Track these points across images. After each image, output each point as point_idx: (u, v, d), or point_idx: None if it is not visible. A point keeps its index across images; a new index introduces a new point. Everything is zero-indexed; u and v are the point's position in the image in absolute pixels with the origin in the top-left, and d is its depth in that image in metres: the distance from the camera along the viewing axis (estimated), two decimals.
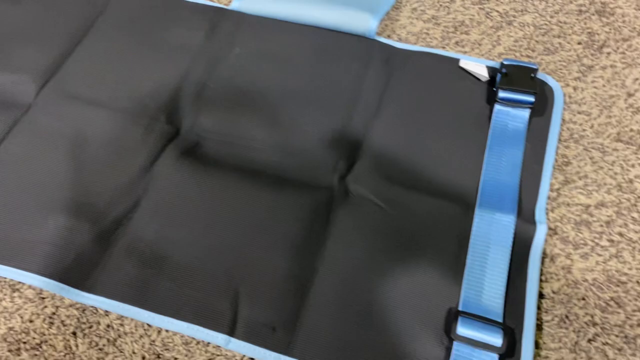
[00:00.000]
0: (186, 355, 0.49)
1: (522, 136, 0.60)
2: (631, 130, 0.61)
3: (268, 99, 0.63)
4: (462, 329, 0.47)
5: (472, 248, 0.53)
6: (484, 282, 0.51)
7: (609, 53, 0.67)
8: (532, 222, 0.54)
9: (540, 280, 0.52)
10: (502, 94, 0.61)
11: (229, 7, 0.72)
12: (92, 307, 0.51)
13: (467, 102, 0.63)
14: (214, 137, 0.61)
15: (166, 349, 0.49)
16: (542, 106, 0.62)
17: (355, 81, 0.65)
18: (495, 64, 0.66)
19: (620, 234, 0.54)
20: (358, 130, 0.61)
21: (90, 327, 0.50)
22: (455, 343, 0.47)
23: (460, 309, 0.49)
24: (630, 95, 0.63)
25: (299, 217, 0.55)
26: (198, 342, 0.49)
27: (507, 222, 0.53)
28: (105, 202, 0.56)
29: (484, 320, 0.48)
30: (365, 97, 0.64)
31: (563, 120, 0.62)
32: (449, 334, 0.48)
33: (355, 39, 0.68)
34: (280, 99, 0.63)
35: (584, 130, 0.61)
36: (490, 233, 0.53)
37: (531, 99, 0.60)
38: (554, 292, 0.51)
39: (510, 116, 0.61)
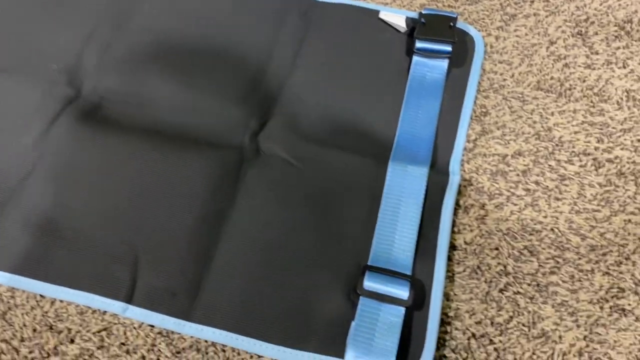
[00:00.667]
0: (81, 325, 0.46)
1: (439, 87, 0.57)
2: (552, 78, 0.59)
3: (176, 56, 0.60)
4: (369, 283, 0.46)
5: (384, 202, 0.51)
6: (395, 235, 0.49)
7: (532, 1, 0.65)
8: (446, 174, 0.52)
9: (453, 232, 0.50)
10: (419, 44, 0.58)
11: None
12: None
13: (387, 54, 0.61)
14: (117, 98, 0.57)
15: (59, 320, 0.46)
16: (462, 56, 0.60)
17: (270, 35, 0.62)
18: (416, 14, 0.63)
19: (537, 183, 0.53)
20: (272, 86, 0.58)
21: None
22: (361, 297, 0.45)
23: (369, 263, 0.47)
24: (552, 43, 0.62)
25: (205, 179, 0.52)
26: (94, 312, 0.47)
27: (420, 174, 0.52)
28: None
29: (392, 274, 0.46)
30: (281, 52, 0.61)
31: (483, 70, 0.60)
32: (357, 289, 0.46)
33: None
34: (189, 56, 0.60)
35: (505, 79, 0.59)
36: (403, 186, 0.51)
37: (448, 48, 0.58)
38: (466, 243, 0.50)
39: (428, 67, 0.59)
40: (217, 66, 0.59)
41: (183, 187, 0.51)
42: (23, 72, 0.59)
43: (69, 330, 0.46)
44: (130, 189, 0.51)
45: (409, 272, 0.47)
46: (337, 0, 0.65)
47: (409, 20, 0.62)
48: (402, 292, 0.45)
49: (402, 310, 0.45)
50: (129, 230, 0.49)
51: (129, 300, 0.46)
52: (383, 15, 0.63)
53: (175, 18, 0.63)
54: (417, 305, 0.46)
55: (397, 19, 0.62)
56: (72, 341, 0.45)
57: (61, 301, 0.47)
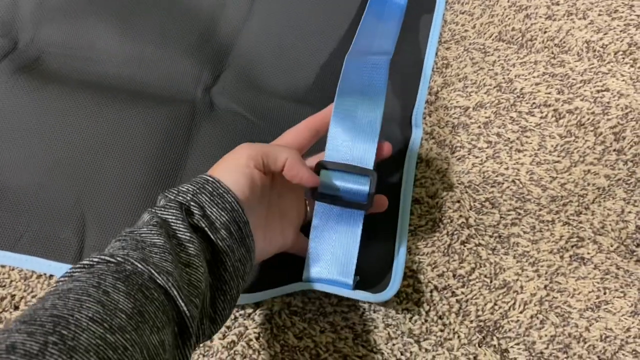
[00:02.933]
0: (25, 291, 0.43)
1: (399, 14, 0.54)
2: (513, 29, 0.58)
3: (120, 4, 0.56)
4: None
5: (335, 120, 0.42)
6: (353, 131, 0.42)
7: None
8: (409, 126, 0.51)
9: (415, 186, 0.49)
10: None
11: None
12: None
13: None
14: (57, 50, 0.53)
15: (1, 286, 0.43)
16: (423, 6, 0.58)
17: None
18: None
19: (498, 135, 0.52)
20: (226, 34, 0.55)
21: None
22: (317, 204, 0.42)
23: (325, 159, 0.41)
24: None
25: (155, 134, 0.49)
26: (39, 276, 0.44)
27: (374, 108, 0.42)
28: None
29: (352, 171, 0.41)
30: (233, 4, 0.57)
31: (445, 21, 0.59)
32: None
33: None
34: (136, 4, 0.56)
35: (466, 30, 0.58)
36: (355, 120, 0.43)
37: None
38: (428, 196, 0.49)
39: (387, 5, 0.56)
40: (166, 14, 0.56)
41: (132, 142, 0.48)
42: None
43: (12, 296, 0.43)
44: (75, 144, 0.48)
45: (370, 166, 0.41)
46: None
47: None
48: (362, 187, 0.40)
49: (362, 214, 0.41)
50: (75, 188, 0.46)
51: (77, 262, 0.44)
52: None
53: None
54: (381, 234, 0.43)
55: None
56: (16, 308, 0.43)
57: (3, 266, 0.44)
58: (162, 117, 0.49)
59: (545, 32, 0.58)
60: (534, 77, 0.55)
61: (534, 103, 0.54)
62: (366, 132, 0.41)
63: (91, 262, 0.30)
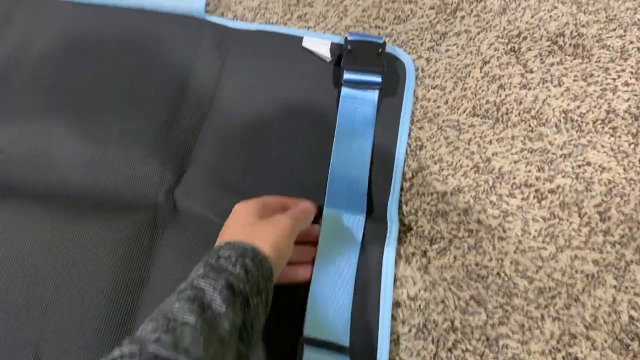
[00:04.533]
0: None
1: (371, 123, 0.53)
2: (487, 102, 0.56)
3: (75, 104, 0.53)
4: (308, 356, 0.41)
5: (317, 260, 0.46)
6: (331, 300, 0.44)
7: (462, 17, 0.61)
8: (384, 221, 0.48)
9: (395, 287, 0.46)
10: (347, 75, 0.54)
11: None
12: None
13: (314, 86, 0.56)
14: (5, 157, 0.50)
15: None
16: (393, 84, 0.55)
17: (181, 73, 0.56)
18: (341, 39, 0.59)
19: (479, 221, 0.49)
20: (188, 131, 0.53)
21: None
22: None
23: (305, 335, 0.43)
24: (485, 62, 0.58)
25: (113, 252, 0.46)
26: None
27: (355, 225, 0.47)
28: None
29: (329, 347, 0.42)
30: (195, 91, 0.55)
31: (416, 98, 0.56)
32: None
33: (180, 21, 0.58)
34: (89, 102, 0.53)
35: (439, 107, 0.56)
36: (337, 241, 0.47)
37: (378, 79, 0.53)
38: (410, 299, 0.46)
39: (359, 100, 0.54)
40: (124, 112, 0.53)
41: (90, 263, 0.45)
42: None
43: None
44: (25, 271, 0.44)
45: (346, 344, 0.42)
46: (255, 27, 0.59)
47: (335, 47, 0.57)
48: None
49: None
50: (29, 320, 0.43)
51: None
52: (306, 42, 0.57)
53: (68, 57, 0.56)
54: None
55: (322, 47, 0.57)
56: None
57: None
58: (122, 229, 0.46)
59: (520, 104, 0.56)
60: (512, 154, 0.53)
61: (514, 183, 0.51)
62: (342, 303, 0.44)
63: (121, 355, 0.28)
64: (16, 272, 0.44)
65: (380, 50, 0.54)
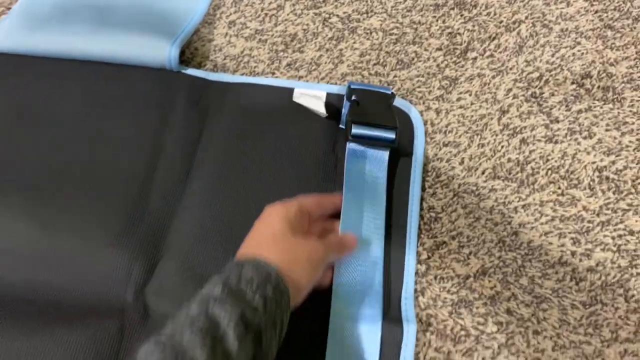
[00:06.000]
0: None
1: (383, 186, 0.45)
2: (509, 160, 0.48)
3: (24, 183, 0.45)
4: None
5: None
6: None
7: (474, 58, 0.54)
8: (399, 321, 0.40)
9: None
10: (356, 129, 0.46)
11: None
12: None
13: (310, 147, 0.48)
14: None
15: None
16: (400, 143, 0.47)
17: (153, 140, 0.48)
18: (339, 89, 0.51)
19: (509, 312, 0.42)
20: (160, 214, 0.45)
21: None
22: None
23: None
24: (504, 112, 0.51)
25: None
26: None
27: (372, 337, 0.39)
28: None
29: None
30: (169, 162, 0.47)
31: (427, 158, 0.49)
32: None
33: (151, 76, 0.50)
34: (43, 182, 0.45)
35: (453, 168, 0.48)
36: (354, 344, 0.39)
37: (392, 136, 0.45)
38: None
39: (369, 158, 0.46)
40: (83, 197, 0.44)
41: None
42: None
43: None
44: None
45: None
46: (238, 79, 0.51)
47: (332, 98, 0.49)
48: None
49: None
50: None
51: None
52: (297, 95, 0.50)
53: (18, 124, 0.48)
54: None
55: (316, 102, 0.49)
56: None
57: None
58: (82, 344, 0.38)
59: (547, 161, 0.48)
60: (541, 224, 0.45)
61: (546, 261, 0.44)
62: None
63: None
64: None
65: (390, 101, 0.47)
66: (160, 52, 0.50)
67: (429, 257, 0.44)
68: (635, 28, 0.56)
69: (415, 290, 0.43)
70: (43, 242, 0.42)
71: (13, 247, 0.42)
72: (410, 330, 0.40)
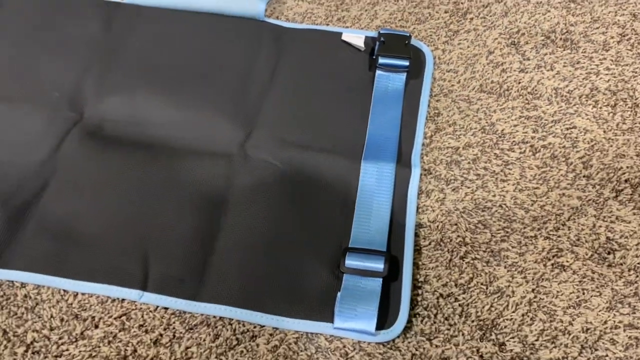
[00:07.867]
0: (102, 312, 0.53)
1: (400, 96, 0.67)
2: (492, 82, 0.69)
3: (166, 81, 0.68)
4: (350, 261, 0.54)
5: (359, 195, 0.59)
6: (370, 221, 0.57)
7: (471, 19, 0.76)
8: (409, 166, 0.61)
9: (418, 213, 0.59)
10: (381, 60, 0.68)
11: (124, 0, 0.76)
12: (7, 281, 0.54)
13: (350, 70, 0.70)
14: (116, 119, 0.65)
15: (83, 310, 0.53)
16: (416, 69, 0.69)
17: (248, 59, 0.71)
18: (373, 33, 0.73)
19: (485, 168, 0.62)
20: (253, 103, 0.67)
21: (8, 299, 0.53)
22: (345, 275, 0.53)
23: (350, 245, 0.56)
24: (490, 52, 0.72)
25: (200, 182, 0.60)
26: (113, 300, 0.53)
27: (388, 171, 0.60)
28: (13, 185, 0.59)
29: (370, 252, 0.54)
30: (259, 73, 0.70)
31: (434, 78, 0.70)
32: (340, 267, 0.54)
33: (245, 22, 0.74)
34: (178, 82, 0.68)
35: (452, 85, 0.69)
36: (375, 181, 0.60)
37: (406, 63, 0.68)
38: (430, 222, 0.59)
39: (390, 80, 0.68)
40: (204, 88, 0.67)
41: (183, 190, 0.59)
42: (29, 100, 0.66)
43: (93, 317, 0.52)
44: (134, 195, 0.59)
45: (384, 249, 0.55)
46: (304, 26, 0.74)
47: (368, 40, 0.72)
48: (378, 265, 0.53)
49: (380, 280, 0.53)
50: (137, 231, 0.56)
51: (143, 288, 0.53)
52: (345, 36, 0.72)
53: (161, 50, 0.71)
54: (392, 275, 0.54)
55: (357, 39, 0.72)
56: (96, 326, 0.52)
57: (83, 294, 0.54)
58: (205, 167, 0.60)
59: (519, 83, 0.69)
60: (512, 119, 0.66)
61: (513, 141, 0.64)
62: (380, 222, 0.59)
63: None
64: (127, 194, 0.58)
65: (407, 41, 0.69)
66: (253, 7, 0.74)
67: (432, 135, 0.65)
68: (592, 2, 0.77)
69: (421, 154, 0.64)
70: (180, 115, 0.65)
71: (161, 120, 0.65)
72: (416, 172, 0.61)
